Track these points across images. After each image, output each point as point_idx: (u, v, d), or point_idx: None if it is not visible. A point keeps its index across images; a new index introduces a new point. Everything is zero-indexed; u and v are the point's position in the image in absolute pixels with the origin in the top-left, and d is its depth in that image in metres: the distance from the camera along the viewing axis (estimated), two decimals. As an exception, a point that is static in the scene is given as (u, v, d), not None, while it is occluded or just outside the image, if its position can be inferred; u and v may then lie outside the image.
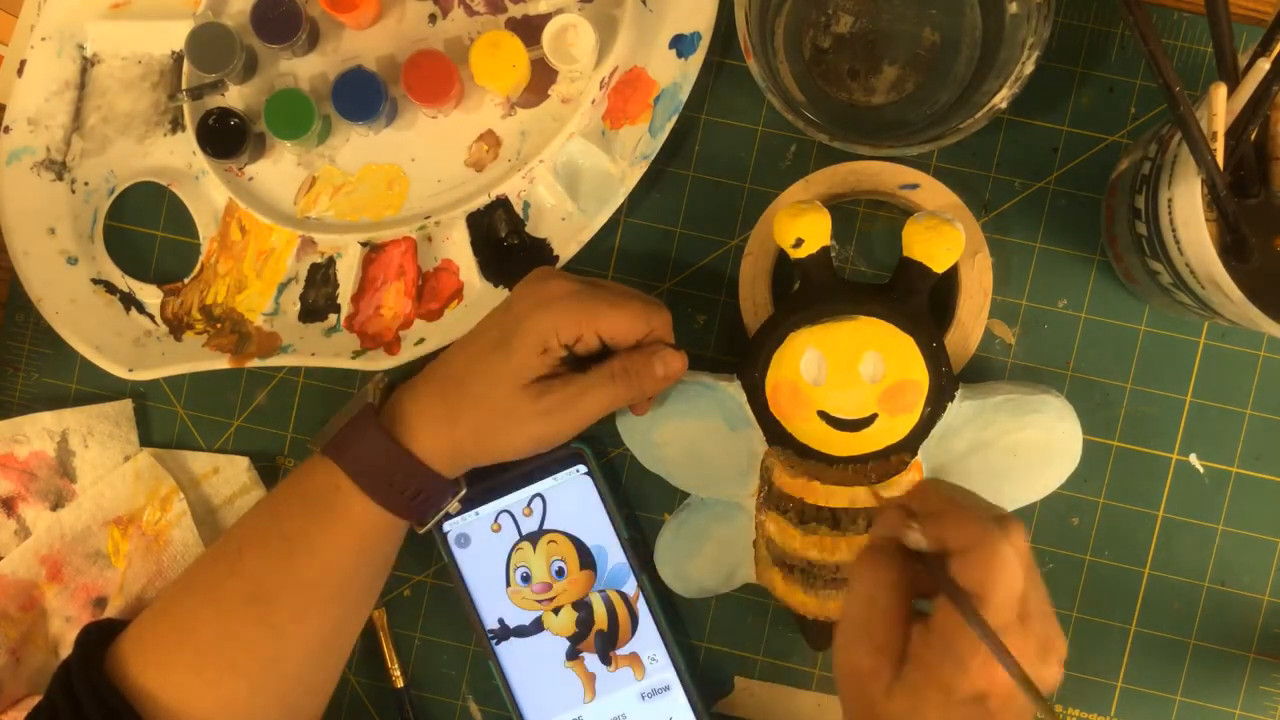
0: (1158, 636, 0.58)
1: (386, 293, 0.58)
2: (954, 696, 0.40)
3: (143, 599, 0.59)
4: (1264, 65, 0.44)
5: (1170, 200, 0.46)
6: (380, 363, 0.57)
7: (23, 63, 0.59)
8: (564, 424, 0.51)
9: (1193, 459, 0.58)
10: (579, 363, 0.53)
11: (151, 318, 0.59)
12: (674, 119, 0.56)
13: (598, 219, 0.57)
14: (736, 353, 0.58)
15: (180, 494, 0.59)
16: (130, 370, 0.57)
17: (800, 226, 0.53)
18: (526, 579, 0.57)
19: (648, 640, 0.57)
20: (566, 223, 0.57)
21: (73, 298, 0.59)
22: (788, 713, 0.59)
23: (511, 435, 0.51)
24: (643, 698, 0.57)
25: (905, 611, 0.42)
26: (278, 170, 0.59)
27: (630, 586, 0.57)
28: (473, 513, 0.57)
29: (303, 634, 0.51)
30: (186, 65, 0.58)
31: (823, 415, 0.54)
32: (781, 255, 0.56)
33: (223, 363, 0.57)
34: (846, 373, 0.53)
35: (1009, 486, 0.54)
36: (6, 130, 0.59)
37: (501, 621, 0.58)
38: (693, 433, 0.55)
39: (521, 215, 0.58)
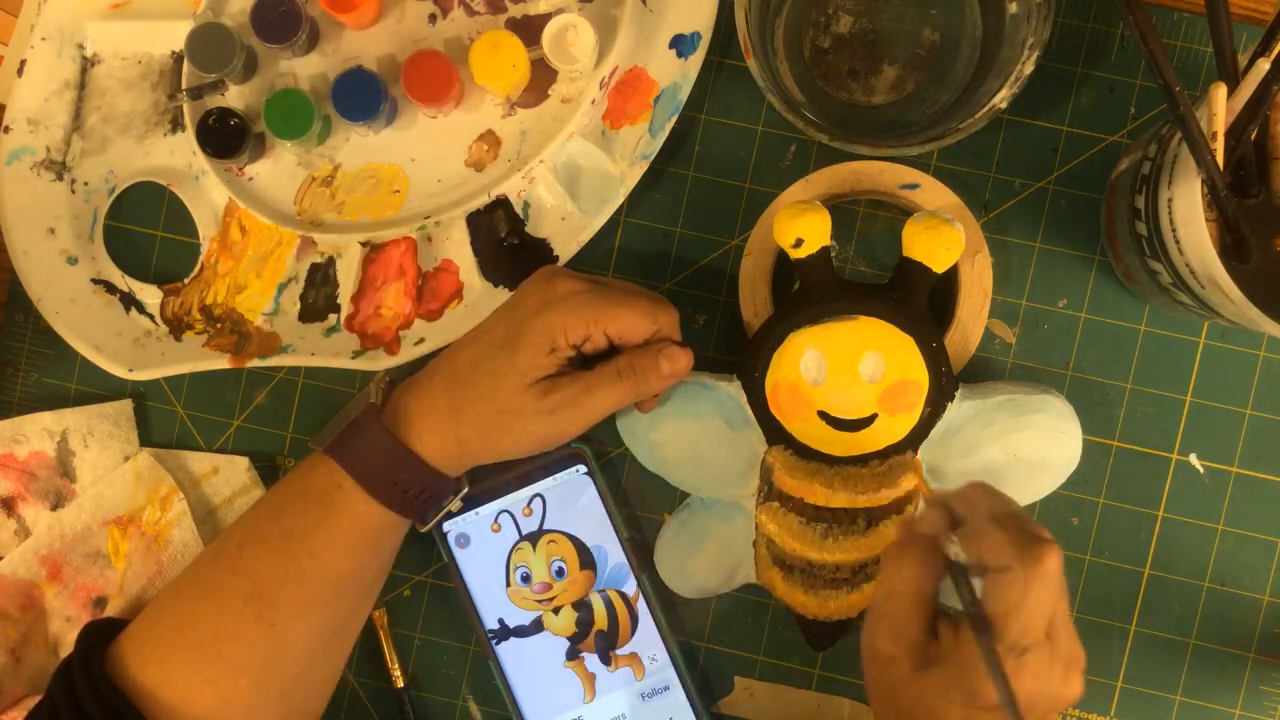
0: (1158, 636, 0.58)
1: (386, 293, 0.58)
2: (978, 702, 0.42)
3: (143, 599, 0.59)
4: (1264, 65, 0.44)
5: (1170, 200, 0.46)
6: (380, 363, 0.57)
7: (23, 63, 0.59)
8: (570, 422, 0.51)
9: (1193, 459, 0.58)
10: (584, 360, 0.53)
11: (151, 318, 0.59)
12: (674, 119, 0.56)
13: (598, 219, 0.57)
14: (736, 353, 0.58)
15: (180, 494, 0.59)
16: (130, 370, 0.57)
17: (800, 226, 0.53)
18: (526, 579, 0.57)
19: (648, 640, 0.57)
20: (566, 223, 0.57)
21: (73, 298, 0.59)
22: (788, 713, 0.59)
23: (517, 433, 0.51)
24: (643, 698, 0.57)
25: (926, 606, 0.44)
26: (278, 170, 0.59)
27: (630, 586, 0.57)
28: (473, 513, 0.57)
29: (303, 632, 0.51)
30: (186, 65, 0.58)
31: (823, 415, 0.54)
32: (781, 255, 0.56)
33: (223, 363, 0.57)
34: (846, 373, 0.53)
35: (1009, 486, 0.54)
36: (6, 130, 0.59)
37: (501, 621, 0.58)
38: (693, 433, 0.55)
39: (521, 215, 0.58)
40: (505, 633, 0.57)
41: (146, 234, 0.60)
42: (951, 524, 0.44)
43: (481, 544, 0.58)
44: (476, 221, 0.58)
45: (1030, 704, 0.41)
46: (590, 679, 0.57)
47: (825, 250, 0.54)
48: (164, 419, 0.60)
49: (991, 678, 0.40)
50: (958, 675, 0.42)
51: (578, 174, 0.58)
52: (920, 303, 0.54)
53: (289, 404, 0.60)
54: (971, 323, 0.56)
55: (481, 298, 0.58)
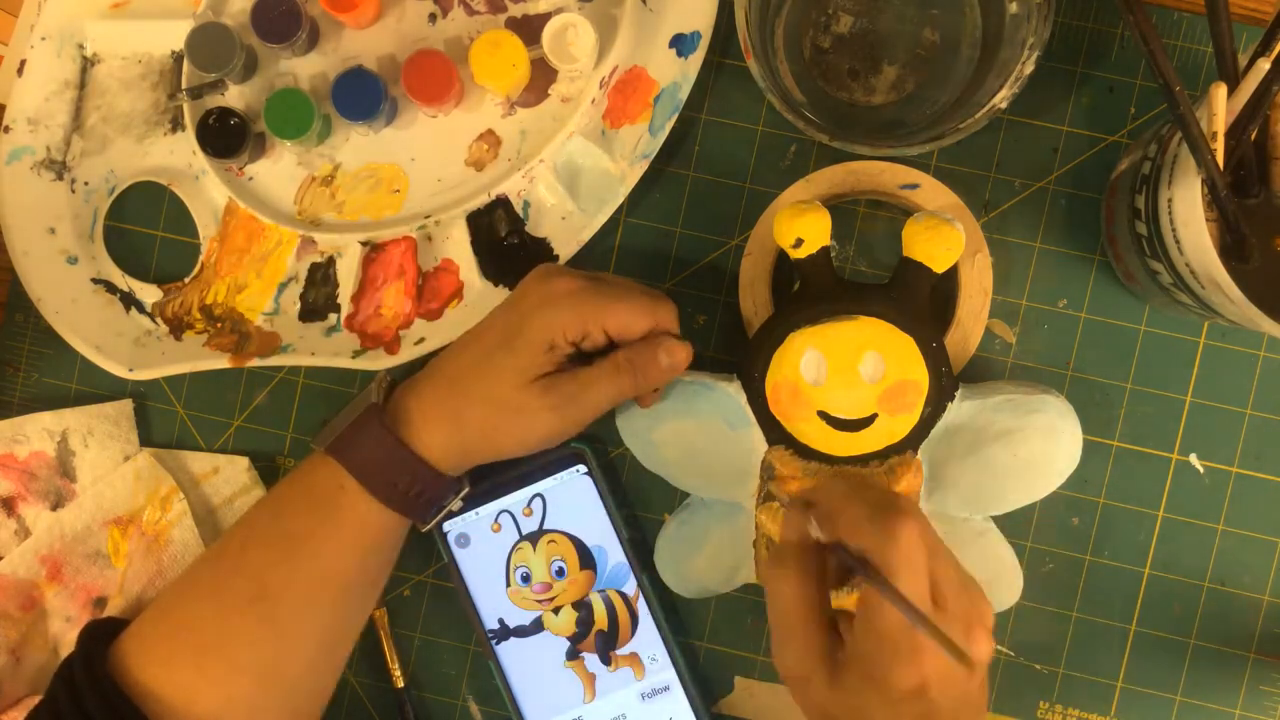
0: (1158, 636, 0.58)
1: (386, 292, 0.58)
2: (894, 694, 0.40)
3: (143, 599, 0.59)
4: (1264, 65, 0.44)
5: (1170, 200, 0.46)
6: (380, 362, 0.57)
7: (23, 63, 0.59)
8: (571, 418, 0.51)
9: (1193, 459, 0.58)
10: (583, 357, 0.53)
11: (151, 317, 0.59)
12: (674, 118, 0.56)
13: (598, 218, 0.57)
14: (736, 353, 0.58)
15: (180, 494, 0.59)
16: (130, 370, 0.57)
17: (800, 226, 0.53)
18: (526, 579, 0.57)
19: (648, 640, 0.57)
20: (566, 222, 0.57)
21: (73, 298, 0.59)
22: (788, 713, 0.59)
23: (518, 431, 0.51)
24: (643, 698, 0.57)
25: (820, 613, 0.42)
26: (278, 170, 0.59)
27: (630, 586, 0.57)
28: (473, 513, 0.57)
29: (305, 632, 0.51)
30: (186, 65, 0.58)
31: (823, 415, 0.54)
32: (781, 255, 0.56)
33: (223, 362, 0.57)
34: (846, 373, 0.53)
35: (1009, 486, 0.54)
36: (6, 130, 0.59)
37: (501, 621, 0.58)
38: (692, 433, 0.55)
39: (521, 215, 0.58)
40: (505, 633, 0.58)
41: (146, 234, 0.60)
42: (807, 511, 0.43)
43: (481, 544, 0.58)
44: (476, 221, 0.58)
45: (942, 677, 0.40)
46: (590, 679, 0.57)
47: (825, 250, 0.54)
48: (164, 419, 0.60)
49: (909, 619, 0.38)
50: (867, 667, 0.40)
51: (578, 173, 0.58)
52: (920, 303, 0.54)
53: (289, 404, 0.60)
54: (971, 323, 0.56)
55: (481, 297, 0.58)
